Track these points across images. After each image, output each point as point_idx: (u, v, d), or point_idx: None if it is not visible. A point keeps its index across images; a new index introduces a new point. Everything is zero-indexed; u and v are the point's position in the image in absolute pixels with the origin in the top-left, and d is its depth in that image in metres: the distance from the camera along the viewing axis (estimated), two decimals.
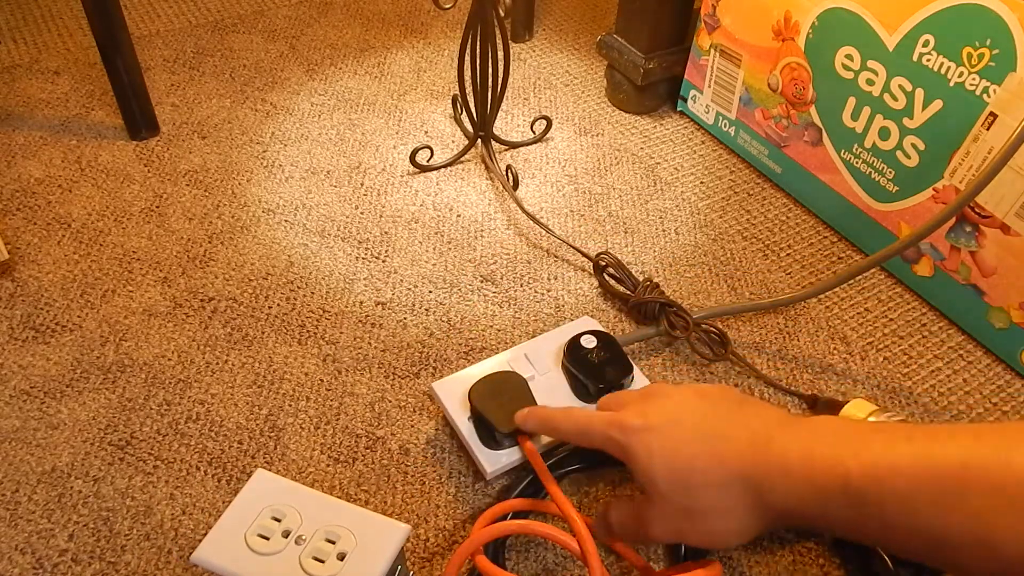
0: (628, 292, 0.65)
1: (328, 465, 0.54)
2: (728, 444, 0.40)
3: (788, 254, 0.73)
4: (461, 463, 0.55)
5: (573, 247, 0.71)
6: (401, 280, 0.68)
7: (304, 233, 0.72)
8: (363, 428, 0.57)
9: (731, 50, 0.79)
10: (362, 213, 0.74)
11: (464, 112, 0.82)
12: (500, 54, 0.72)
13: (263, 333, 0.63)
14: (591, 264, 0.69)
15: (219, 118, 0.85)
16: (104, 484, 0.52)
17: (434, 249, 0.71)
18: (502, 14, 0.70)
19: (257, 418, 0.57)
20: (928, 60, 0.61)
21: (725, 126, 0.84)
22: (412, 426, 0.57)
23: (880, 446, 0.36)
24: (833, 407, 0.56)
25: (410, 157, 0.78)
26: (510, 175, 0.78)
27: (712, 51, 0.82)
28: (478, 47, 0.72)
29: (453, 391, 0.55)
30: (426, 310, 0.65)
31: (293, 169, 0.79)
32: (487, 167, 0.80)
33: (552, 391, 0.55)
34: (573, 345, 0.56)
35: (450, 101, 0.89)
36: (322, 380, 0.60)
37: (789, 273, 0.71)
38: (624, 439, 0.42)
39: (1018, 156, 0.55)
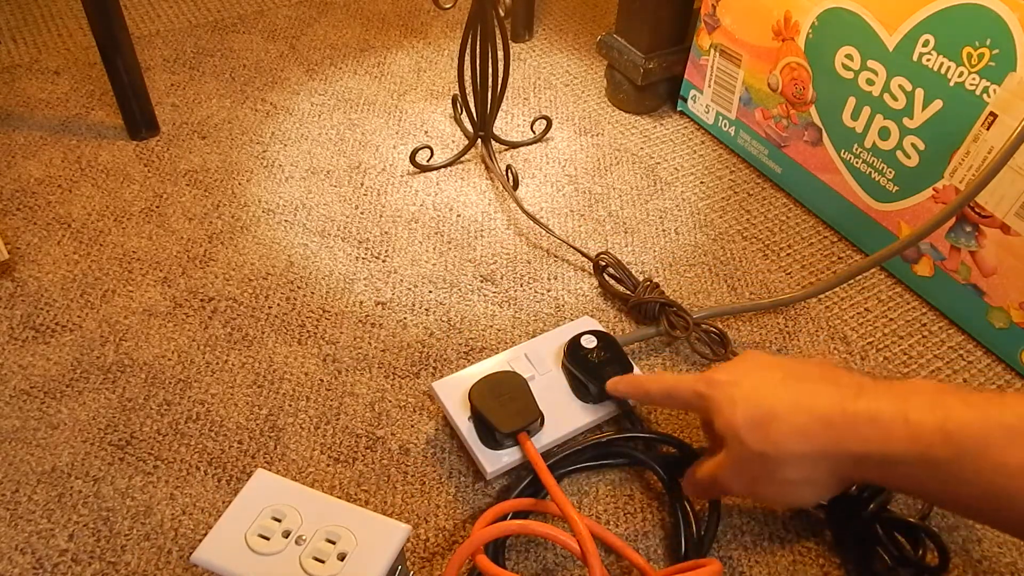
0: (628, 292, 0.65)
1: (328, 465, 0.54)
2: (814, 390, 0.40)
3: (788, 254, 0.73)
4: (461, 463, 0.55)
5: (573, 247, 0.71)
6: (401, 280, 0.68)
7: (304, 233, 0.72)
8: (363, 428, 0.57)
9: (731, 50, 0.79)
10: (362, 213, 0.74)
11: (464, 112, 0.82)
12: (500, 54, 0.72)
13: (263, 333, 0.63)
14: (591, 264, 0.69)
15: (219, 118, 0.85)
16: (104, 484, 0.52)
17: (434, 249, 0.71)
18: (502, 14, 0.70)
19: (257, 418, 0.57)
20: (928, 60, 0.61)
21: (725, 126, 0.84)
22: (412, 426, 0.57)
23: (985, 393, 0.36)
24: None
25: (410, 157, 0.78)
26: (510, 175, 0.78)
27: (712, 51, 0.82)
28: (478, 47, 0.72)
29: (453, 391, 0.55)
30: (426, 310, 0.65)
31: (293, 169, 0.79)
32: (487, 167, 0.80)
33: (552, 391, 0.55)
34: (573, 345, 0.56)
35: (450, 101, 0.89)
36: (322, 380, 0.60)
37: (789, 273, 0.71)
38: (709, 391, 0.43)
39: (1018, 156, 0.55)
